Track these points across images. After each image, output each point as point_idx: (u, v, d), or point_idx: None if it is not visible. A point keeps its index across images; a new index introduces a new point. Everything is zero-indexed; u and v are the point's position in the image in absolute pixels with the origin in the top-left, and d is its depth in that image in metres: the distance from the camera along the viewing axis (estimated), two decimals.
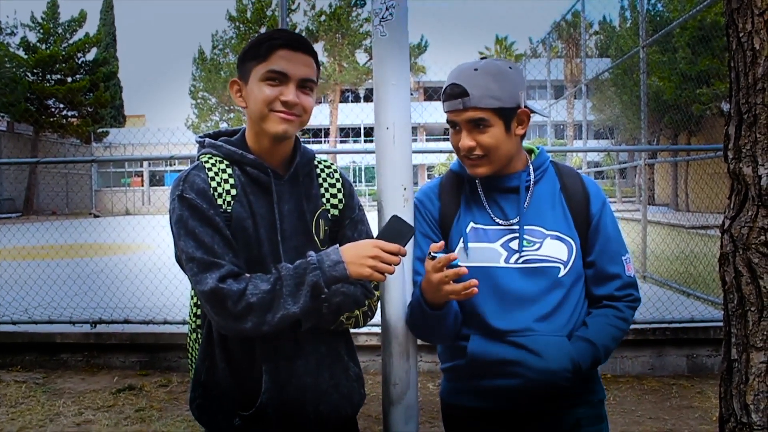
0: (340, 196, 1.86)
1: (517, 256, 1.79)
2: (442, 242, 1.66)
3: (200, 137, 1.81)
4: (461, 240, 1.84)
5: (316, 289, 1.57)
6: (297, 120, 1.69)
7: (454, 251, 1.83)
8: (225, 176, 1.68)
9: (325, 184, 1.85)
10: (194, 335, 1.84)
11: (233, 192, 1.67)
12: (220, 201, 1.64)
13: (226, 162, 1.71)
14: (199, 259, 1.57)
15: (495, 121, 1.75)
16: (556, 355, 1.73)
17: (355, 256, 1.60)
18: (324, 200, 1.82)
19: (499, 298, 1.77)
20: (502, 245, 1.81)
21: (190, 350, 1.88)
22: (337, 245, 1.65)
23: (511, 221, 1.82)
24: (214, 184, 1.65)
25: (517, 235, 1.80)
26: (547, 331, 1.76)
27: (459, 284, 1.61)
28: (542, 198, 1.85)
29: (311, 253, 1.62)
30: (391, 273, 1.62)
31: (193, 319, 1.84)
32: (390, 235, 1.62)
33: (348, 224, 1.84)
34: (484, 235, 1.83)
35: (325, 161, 1.91)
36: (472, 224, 1.85)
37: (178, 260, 1.69)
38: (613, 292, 1.85)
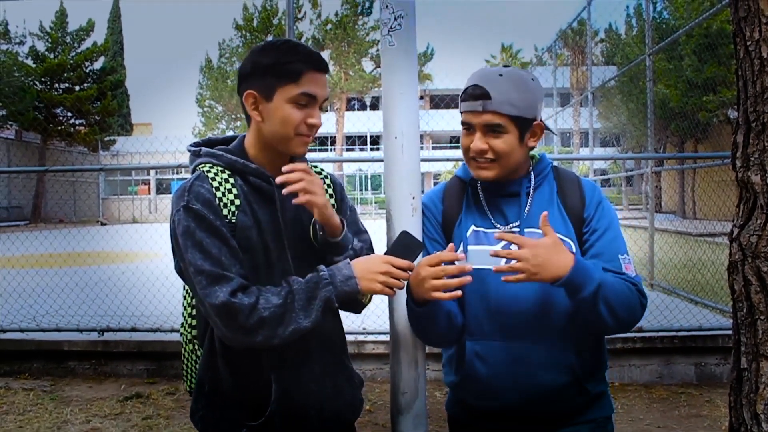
0: (332, 201, 1.87)
1: None
2: (452, 245, 1.68)
3: (194, 146, 1.79)
4: (461, 243, 1.85)
5: (328, 304, 1.59)
6: (311, 140, 1.72)
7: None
8: (228, 186, 1.67)
9: None
10: (190, 346, 1.85)
11: (237, 202, 1.66)
12: (225, 211, 1.64)
13: (227, 171, 1.70)
14: (207, 271, 1.55)
15: (511, 128, 1.76)
16: (555, 366, 1.75)
17: (367, 271, 1.61)
18: None
19: (500, 299, 1.77)
20: (503, 248, 1.79)
21: (186, 361, 1.88)
22: (348, 260, 1.66)
23: (512, 224, 1.83)
24: (219, 194, 1.65)
25: None
26: (548, 334, 1.75)
27: (440, 281, 1.60)
28: (541, 201, 1.86)
29: (322, 267, 1.63)
30: (401, 288, 1.65)
31: (188, 330, 1.84)
32: (399, 251, 1.64)
33: None
34: (484, 238, 1.83)
35: (315, 167, 1.91)
36: (473, 227, 1.86)
37: (179, 271, 1.68)
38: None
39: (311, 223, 1.77)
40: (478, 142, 1.77)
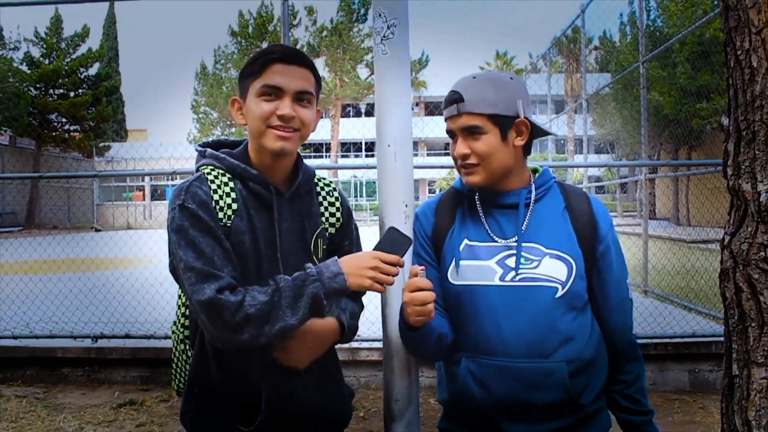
0: (338, 215, 1.86)
1: (513, 273, 1.74)
2: (416, 267, 1.67)
3: (201, 146, 1.80)
4: (453, 258, 1.81)
5: (316, 301, 1.56)
6: (295, 135, 1.68)
7: (447, 268, 1.81)
8: (227, 189, 1.67)
9: (325, 203, 1.85)
10: (181, 346, 1.83)
11: (234, 206, 1.66)
12: (221, 214, 1.63)
13: (228, 175, 1.70)
14: (198, 269, 1.54)
15: (489, 128, 1.73)
16: (550, 386, 1.71)
17: (355, 267, 1.60)
18: (323, 219, 1.82)
19: (493, 316, 1.72)
20: (497, 263, 1.76)
21: (176, 360, 1.87)
22: (336, 257, 1.65)
23: (509, 239, 1.78)
24: (216, 197, 1.64)
25: (514, 252, 1.75)
26: (543, 354, 1.71)
27: (421, 308, 1.62)
28: (543, 216, 1.80)
29: (309, 265, 1.62)
30: (391, 284, 1.62)
31: (181, 329, 1.83)
32: (388, 246, 1.63)
33: (347, 246, 1.85)
34: (478, 253, 1.79)
35: (324, 179, 1.91)
36: (466, 241, 1.81)
37: (173, 270, 1.68)
38: (627, 333, 1.88)
39: (314, 235, 1.77)
40: (460, 147, 1.77)
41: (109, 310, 6.93)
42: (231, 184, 1.69)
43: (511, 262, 1.75)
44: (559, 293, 1.73)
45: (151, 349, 5.55)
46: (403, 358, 1.89)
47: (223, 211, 1.64)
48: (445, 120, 1.81)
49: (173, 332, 1.88)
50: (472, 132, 1.75)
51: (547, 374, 1.70)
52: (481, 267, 1.77)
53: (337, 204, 1.87)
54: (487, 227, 1.82)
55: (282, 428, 1.70)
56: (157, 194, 38.51)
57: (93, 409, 4.89)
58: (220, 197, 1.65)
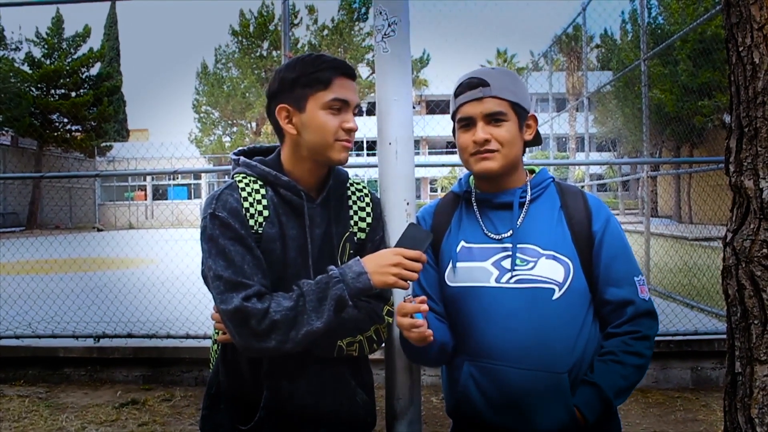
0: (368, 219, 1.85)
1: (509, 275, 1.71)
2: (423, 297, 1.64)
3: (235, 154, 1.82)
4: (450, 259, 1.79)
5: (341, 303, 1.57)
6: (351, 145, 1.72)
7: (444, 270, 1.80)
8: (258, 197, 1.69)
9: (355, 207, 1.84)
10: (215, 346, 1.86)
11: (265, 213, 1.67)
12: (251, 222, 1.65)
13: (260, 182, 1.72)
14: (226, 278, 1.57)
15: (511, 116, 1.74)
16: (552, 404, 1.66)
17: (378, 265, 1.61)
18: (352, 223, 1.82)
19: (489, 319, 1.70)
20: (493, 264, 1.74)
21: (212, 361, 1.90)
22: (358, 257, 1.65)
23: (503, 234, 1.76)
24: (246, 204, 1.66)
25: (510, 253, 1.73)
26: (542, 360, 1.66)
27: (416, 332, 1.59)
28: (539, 216, 1.78)
29: (332, 267, 1.63)
30: (415, 279, 1.64)
31: (216, 331, 1.86)
32: (408, 243, 1.63)
33: (370, 248, 1.82)
34: (474, 254, 1.77)
35: (357, 183, 1.90)
36: (463, 243, 1.80)
37: (204, 277, 1.69)
38: (624, 326, 1.73)
39: (342, 240, 1.77)
40: (480, 132, 1.73)
41: (111, 309, 6.94)
42: (262, 191, 1.71)
43: (506, 263, 1.73)
44: (556, 295, 1.69)
45: (153, 348, 5.56)
46: (405, 357, 1.89)
47: (254, 218, 1.66)
48: (460, 105, 1.77)
49: (213, 333, 1.90)
50: (495, 117, 1.74)
51: (547, 386, 1.66)
52: (476, 268, 1.75)
53: (368, 209, 1.86)
54: (482, 225, 1.81)
55: (280, 430, 1.70)
56: (158, 194, 38.57)
57: (95, 409, 4.89)
58: (251, 204, 1.67)
